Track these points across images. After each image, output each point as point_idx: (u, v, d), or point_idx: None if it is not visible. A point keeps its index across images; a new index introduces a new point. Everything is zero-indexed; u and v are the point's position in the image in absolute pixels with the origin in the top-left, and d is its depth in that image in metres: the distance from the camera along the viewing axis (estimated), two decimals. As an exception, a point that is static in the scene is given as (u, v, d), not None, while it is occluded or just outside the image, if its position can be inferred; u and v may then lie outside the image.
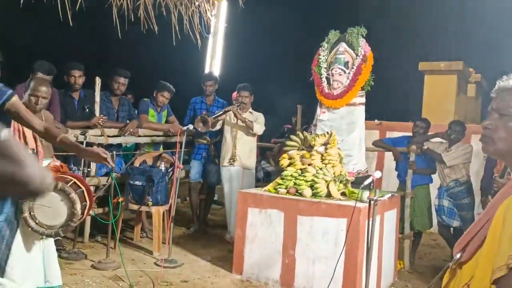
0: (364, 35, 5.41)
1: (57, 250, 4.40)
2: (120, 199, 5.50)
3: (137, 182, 5.76)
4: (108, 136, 5.87)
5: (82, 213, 3.76)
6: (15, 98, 3.13)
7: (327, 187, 4.85)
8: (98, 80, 5.87)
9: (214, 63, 8.22)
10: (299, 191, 4.92)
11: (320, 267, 4.62)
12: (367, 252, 3.68)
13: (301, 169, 5.06)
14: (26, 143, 3.72)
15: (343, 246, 4.29)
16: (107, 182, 5.58)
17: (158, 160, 6.25)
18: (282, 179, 5.12)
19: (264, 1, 12.07)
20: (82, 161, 5.46)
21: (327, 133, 5.26)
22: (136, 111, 6.58)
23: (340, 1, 14.89)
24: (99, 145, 5.82)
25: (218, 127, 6.42)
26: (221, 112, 6.28)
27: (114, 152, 5.55)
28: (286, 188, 5.00)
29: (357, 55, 5.36)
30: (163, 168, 5.94)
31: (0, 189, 1.14)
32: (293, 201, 4.84)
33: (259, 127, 6.36)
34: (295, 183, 4.99)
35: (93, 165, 5.80)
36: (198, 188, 7.02)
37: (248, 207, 5.07)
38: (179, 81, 7.37)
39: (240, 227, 5.13)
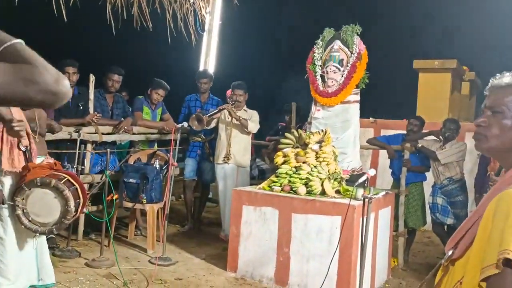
0: (359, 33, 5.41)
1: (51, 248, 4.40)
2: (114, 197, 5.48)
3: (131, 180, 5.75)
4: (102, 134, 5.85)
5: (76, 211, 3.76)
6: None
7: (322, 185, 4.85)
8: (92, 77, 5.84)
9: (208, 60, 8.21)
10: (293, 189, 4.92)
11: (315, 265, 4.63)
12: (361, 250, 3.69)
13: (295, 167, 5.06)
14: (19, 140, 3.70)
15: (337, 244, 4.30)
16: (101, 179, 5.56)
17: (153, 157, 6.24)
18: (277, 177, 5.12)
19: (258, -2, 12.06)
20: (76, 159, 5.44)
21: (322, 131, 5.26)
22: (130, 109, 6.56)
23: (334, -1, 14.90)
24: (93, 142, 5.80)
25: (212, 125, 6.42)
26: (216, 111, 6.27)
27: (109, 150, 5.54)
28: (280, 186, 5.00)
29: (351, 53, 5.36)
30: (157, 166, 5.92)
31: (18, 95, 1.09)
32: (288, 199, 4.84)
33: (254, 125, 6.35)
34: (289, 181, 4.99)
35: (87, 163, 5.78)
36: (193, 186, 7.01)
37: (243, 205, 5.07)
38: (173, 79, 7.35)
39: (234, 225, 5.12)
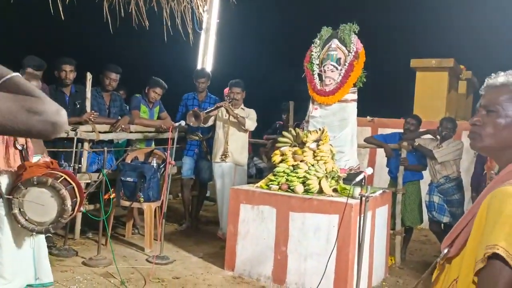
0: (356, 32, 5.41)
1: (48, 247, 4.38)
2: (112, 195, 5.47)
3: (128, 179, 5.74)
4: (100, 132, 5.84)
5: (73, 210, 3.75)
6: None
7: (319, 183, 4.85)
8: (89, 76, 5.82)
9: (206, 59, 8.20)
10: (291, 188, 4.92)
11: (312, 263, 4.63)
12: (358, 248, 3.69)
13: (293, 166, 5.07)
14: (15, 138, 3.69)
15: (334, 242, 4.30)
16: (98, 178, 5.55)
17: (150, 156, 6.23)
18: (274, 175, 5.12)
19: (256, -3, 12.05)
20: (73, 157, 5.43)
21: (319, 129, 5.27)
22: (127, 107, 6.55)
23: (332, -3, 14.89)
24: (90, 141, 5.79)
25: (210, 123, 6.41)
26: (213, 108, 6.27)
27: (106, 149, 5.53)
28: (278, 185, 5.01)
29: (349, 51, 5.36)
30: (155, 165, 5.92)
31: (16, 125, 1.12)
32: (285, 197, 4.85)
33: (251, 123, 6.35)
34: (287, 180, 4.99)
35: (84, 161, 5.77)
36: (190, 184, 7.00)
37: (240, 204, 5.07)
38: (171, 77, 7.34)
39: (232, 223, 5.12)
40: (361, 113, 5.92)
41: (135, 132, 6.36)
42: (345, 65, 5.36)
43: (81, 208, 4.35)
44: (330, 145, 5.18)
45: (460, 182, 5.97)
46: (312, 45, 5.60)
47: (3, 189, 3.73)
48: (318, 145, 5.12)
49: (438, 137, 5.96)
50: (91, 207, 5.91)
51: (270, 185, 5.06)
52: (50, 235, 5.30)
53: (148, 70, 8.41)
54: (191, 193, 7.07)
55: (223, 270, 5.16)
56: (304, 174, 4.93)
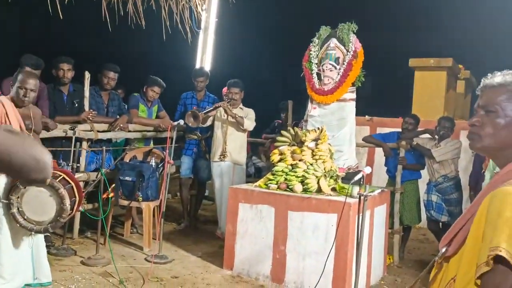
0: (355, 31, 5.41)
1: (46, 246, 4.38)
2: (110, 195, 5.47)
3: (127, 178, 5.73)
4: (98, 131, 5.84)
5: (72, 209, 3.75)
6: None
7: (318, 182, 4.86)
8: (87, 75, 5.82)
9: (205, 58, 8.19)
10: (289, 187, 4.92)
11: (311, 263, 4.64)
12: (357, 247, 3.69)
13: (291, 165, 5.07)
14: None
15: (333, 242, 4.30)
16: (96, 177, 5.54)
17: (149, 155, 6.23)
18: (273, 174, 5.12)
19: (255, -4, 12.04)
20: (71, 156, 5.42)
21: (318, 128, 5.27)
22: (126, 106, 6.54)
23: (331, -4, 14.89)
24: (89, 140, 5.79)
25: (208, 123, 6.41)
26: (212, 108, 6.27)
27: (104, 148, 5.52)
28: (277, 184, 5.01)
29: (348, 51, 5.36)
30: (153, 164, 5.91)
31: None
32: (284, 196, 4.85)
33: (250, 123, 6.35)
34: (285, 179, 4.99)
35: (82, 160, 5.76)
36: (189, 183, 7.00)
37: (239, 203, 5.07)
38: (169, 76, 7.34)
39: (231, 222, 5.13)
40: (359, 112, 5.92)
41: (134, 131, 6.35)
42: (343, 64, 5.36)
43: (80, 208, 4.35)
44: (329, 144, 5.18)
45: (458, 181, 5.97)
46: (311, 44, 5.60)
47: (2, 188, 3.73)
48: (316, 144, 5.12)
49: (436, 136, 5.97)
50: (90, 206, 5.90)
51: (269, 184, 5.06)
52: (48, 234, 5.29)
53: (146, 69, 8.41)
54: (190, 192, 7.07)
55: (222, 269, 5.16)
56: (303, 173, 4.93)
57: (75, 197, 3.84)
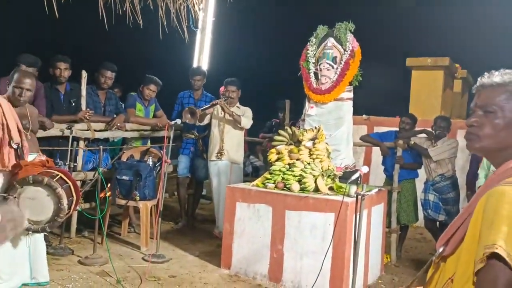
0: (352, 31, 5.41)
1: (44, 245, 4.36)
2: (107, 194, 5.46)
3: (124, 177, 5.73)
4: (95, 131, 5.83)
5: (69, 208, 3.74)
6: None
7: (315, 181, 4.86)
8: (84, 74, 5.81)
9: (202, 57, 8.19)
10: (287, 186, 4.92)
11: (308, 262, 4.64)
12: (354, 246, 3.70)
13: (289, 164, 5.07)
14: (10, 137, 3.67)
15: (330, 241, 4.31)
16: (93, 177, 5.54)
17: (146, 154, 6.23)
18: (270, 173, 5.12)
19: (252, -5, 12.04)
20: (68, 156, 5.41)
21: (315, 128, 5.27)
22: (123, 105, 6.54)
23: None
24: (86, 139, 5.78)
25: (206, 121, 6.41)
26: (209, 106, 6.26)
27: (101, 147, 5.51)
28: (274, 183, 5.01)
29: (345, 50, 5.37)
30: (150, 163, 5.91)
31: None
32: (281, 195, 4.85)
33: (247, 121, 6.35)
34: (283, 178, 4.99)
35: (79, 160, 5.76)
36: (186, 183, 7.00)
37: (237, 202, 5.07)
38: (167, 76, 7.33)
39: (228, 221, 5.13)
40: (357, 111, 5.92)
41: (131, 130, 6.35)
42: (341, 63, 5.36)
43: (77, 207, 4.35)
44: (326, 143, 5.18)
45: (455, 181, 5.99)
46: (308, 43, 5.60)
47: (-1, 188, 3.71)
48: (314, 144, 5.13)
49: (433, 137, 5.97)
50: (87, 205, 5.90)
51: (266, 184, 5.06)
52: (45, 233, 5.28)
53: (143, 69, 8.39)
54: (187, 191, 7.07)
55: (219, 268, 5.16)
56: (300, 172, 4.93)
57: (72, 196, 3.83)
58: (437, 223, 5.99)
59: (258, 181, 5.22)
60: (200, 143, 6.77)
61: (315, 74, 5.51)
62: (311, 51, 5.54)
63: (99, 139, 5.91)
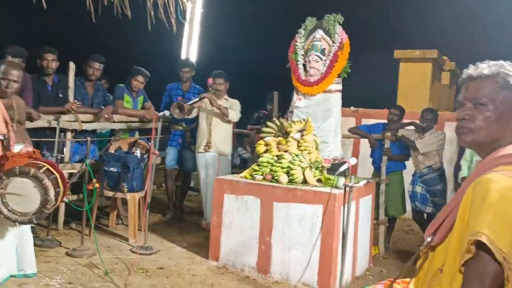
0: (341, 23, 5.41)
1: (31, 237, 4.34)
2: (95, 185, 5.44)
3: (112, 169, 5.70)
4: (83, 122, 5.79)
5: (56, 200, 3.71)
6: None
7: (303, 173, 4.87)
8: (72, 65, 5.77)
9: (190, 49, 8.15)
10: (275, 178, 4.93)
11: (296, 253, 4.66)
12: (342, 238, 3.72)
13: (277, 156, 5.08)
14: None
15: (318, 232, 4.33)
16: (81, 168, 5.50)
17: (134, 146, 6.20)
18: (259, 165, 5.12)
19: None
20: (56, 147, 5.37)
21: (303, 119, 5.28)
22: (111, 97, 6.50)
23: (317, -12, 14.87)
24: (73, 131, 5.74)
25: (194, 114, 6.39)
26: (197, 99, 6.24)
27: (89, 138, 5.48)
28: (262, 175, 5.01)
29: (333, 42, 5.37)
30: (138, 155, 5.89)
31: None
32: (269, 187, 4.86)
33: (235, 114, 6.34)
34: (271, 170, 5.00)
35: (66, 151, 5.71)
36: (174, 174, 6.99)
37: (224, 194, 5.07)
38: (155, 67, 7.29)
39: (216, 213, 5.13)
40: (345, 103, 5.94)
41: (119, 122, 6.32)
42: (329, 55, 5.37)
43: (65, 199, 4.32)
44: (314, 135, 5.19)
45: (443, 173, 6.03)
46: (297, 35, 5.59)
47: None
48: (302, 135, 5.13)
49: (420, 130, 5.99)
50: (75, 197, 5.86)
51: (254, 175, 5.06)
52: (33, 225, 5.25)
53: (131, 60, 8.33)
54: (175, 183, 7.06)
55: (207, 260, 5.17)
56: (288, 164, 4.94)
57: (59, 188, 3.80)
58: (425, 215, 6.04)
59: (246, 172, 5.22)
60: (188, 135, 6.76)
61: (304, 66, 5.51)
62: (300, 43, 5.54)
63: (86, 130, 5.87)
